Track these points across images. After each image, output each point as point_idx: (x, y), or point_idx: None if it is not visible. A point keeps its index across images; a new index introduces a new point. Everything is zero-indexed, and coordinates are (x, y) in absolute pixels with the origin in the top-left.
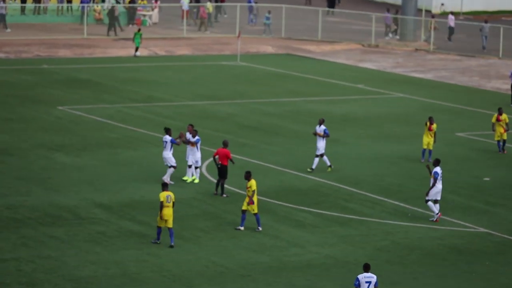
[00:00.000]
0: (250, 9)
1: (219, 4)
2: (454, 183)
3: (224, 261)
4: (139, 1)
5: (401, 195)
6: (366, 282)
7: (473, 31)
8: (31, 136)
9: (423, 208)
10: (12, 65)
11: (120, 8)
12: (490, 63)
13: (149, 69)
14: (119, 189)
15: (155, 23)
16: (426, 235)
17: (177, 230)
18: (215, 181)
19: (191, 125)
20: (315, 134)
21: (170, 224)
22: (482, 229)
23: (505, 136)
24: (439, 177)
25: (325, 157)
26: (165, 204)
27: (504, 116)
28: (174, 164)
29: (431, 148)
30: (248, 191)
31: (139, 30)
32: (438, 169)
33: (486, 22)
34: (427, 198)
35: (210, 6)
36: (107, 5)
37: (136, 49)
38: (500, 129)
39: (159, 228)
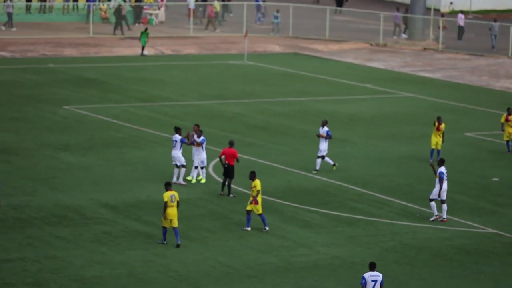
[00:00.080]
0: (258, 8)
1: (226, 2)
2: (463, 184)
3: (231, 262)
4: (145, 0)
5: (409, 195)
6: (372, 280)
7: (482, 30)
8: (37, 135)
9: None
10: (17, 64)
11: (127, 7)
12: (499, 62)
13: (155, 68)
14: (125, 189)
15: (161, 22)
16: (434, 236)
17: (184, 230)
18: (222, 181)
19: (197, 125)
20: (319, 136)
21: (175, 224)
22: (490, 230)
23: None
24: (444, 177)
25: (327, 158)
26: (170, 203)
27: None
28: (184, 163)
29: (439, 148)
30: (253, 191)
31: (146, 29)
32: (443, 169)
33: (495, 21)
34: (431, 197)
35: (217, 5)
36: (113, 4)
37: (143, 48)
38: (509, 129)
39: (164, 228)
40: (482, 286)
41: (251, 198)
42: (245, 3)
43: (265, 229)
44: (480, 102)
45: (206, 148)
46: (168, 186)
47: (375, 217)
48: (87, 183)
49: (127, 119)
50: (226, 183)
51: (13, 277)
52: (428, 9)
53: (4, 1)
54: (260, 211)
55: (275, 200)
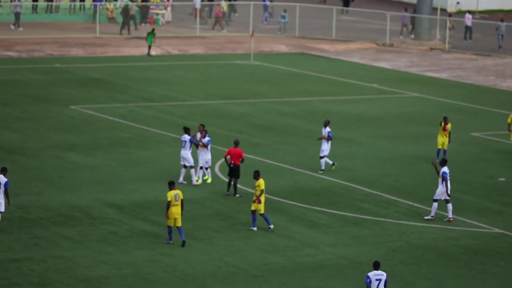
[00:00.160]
0: (265, 7)
1: (232, 2)
2: (469, 183)
3: (237, 262)
4: (152, 0)
5: (415, 195)
6: (377, 279)
7: (489, 30)
8: (43, 135)
9: (438, 208)
10: (24, 64)
11: (134, 7)
12: (506, 62)
13: (162, 68)
14: (131, 189)
15: (168, 22)
16: (440, 236)
17: (190, 230)
18: (227, 181)
19: (202, 125)
20: (320, 139)
21: (179, 222)
22: (497, 230)
23: None
24: (447, 177)
25: (325, 158)
26: (173, 202)
27: None
28: (192, 164)
29: (446, 148)
30: (256, 190)
31: (153, 30)
32: (446, 169)
33: (502, 21)
34: (435, 198)
35: (224, 4)
36: (120, 4)
37: (149, 48)
38: None
39: (169, 228)
40: (488, 286)
41: (254, 198)
42: (252, 3)
43: (270, 228)
44: (486, 102)
45: (212, 148)
46: (171, 185)
47: (382, 217)
48: (93, 183)
49: (134, 119)
50: (232, 183)
51: (19, 277)
52: (435, 9)
53: (11, 1)
54: (262, 211)
55: (282, 200)
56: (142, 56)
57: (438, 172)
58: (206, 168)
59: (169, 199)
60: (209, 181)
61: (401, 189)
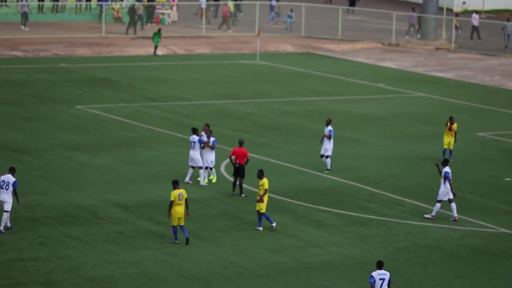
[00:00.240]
0: (271, 7)
1: (237, 2)
2: (475, 183)
3: (243, 261)
4: (158, 0)
5: (421, 195)
6: (380, 279)
7: (495, 30)
8: (49, 135)
9: (443, 209)
10: (30, 63)
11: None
12: None
13: (167, 68)
14: (137, 188)
15: (174, 22)
16: (446, 236)
17: (196, 230)
18: (233, 181)
19: (207, 125)
20: (321, 140)
21: (182, 221)
22: (503, 230)
23: None
24: (450, 176)
25: (324, 158)
26: (177, 202)
27: None
28: (201, 165)
29: (451, 148)
30: (260, 189)
31: (159, 30)
32: (448, 169)
33: (508, 20)
34: (438, 198)
35: (231, 4)
36: (125, 3)
37: (155, 48)
38: None
39: (174, 227)
40: (494, 286)
41: (258, 197)
42: (258, 2)
43: (272, 226)
44: (492, 102)
45: (217, 147)
46: (175, 184)
47: (387, 217)
48: (99, 183)
49: (139, 119)
50: (238, 183)
51: (25, 277)
52: (441, 8)
53: (17, 1)
54: (264, 210)
55: (288, 200)
56: (148, 56)
57: (440, 172)
58: (211, 168)
59: (172, 198)
60: (214, 180)
61: (407, 189)
